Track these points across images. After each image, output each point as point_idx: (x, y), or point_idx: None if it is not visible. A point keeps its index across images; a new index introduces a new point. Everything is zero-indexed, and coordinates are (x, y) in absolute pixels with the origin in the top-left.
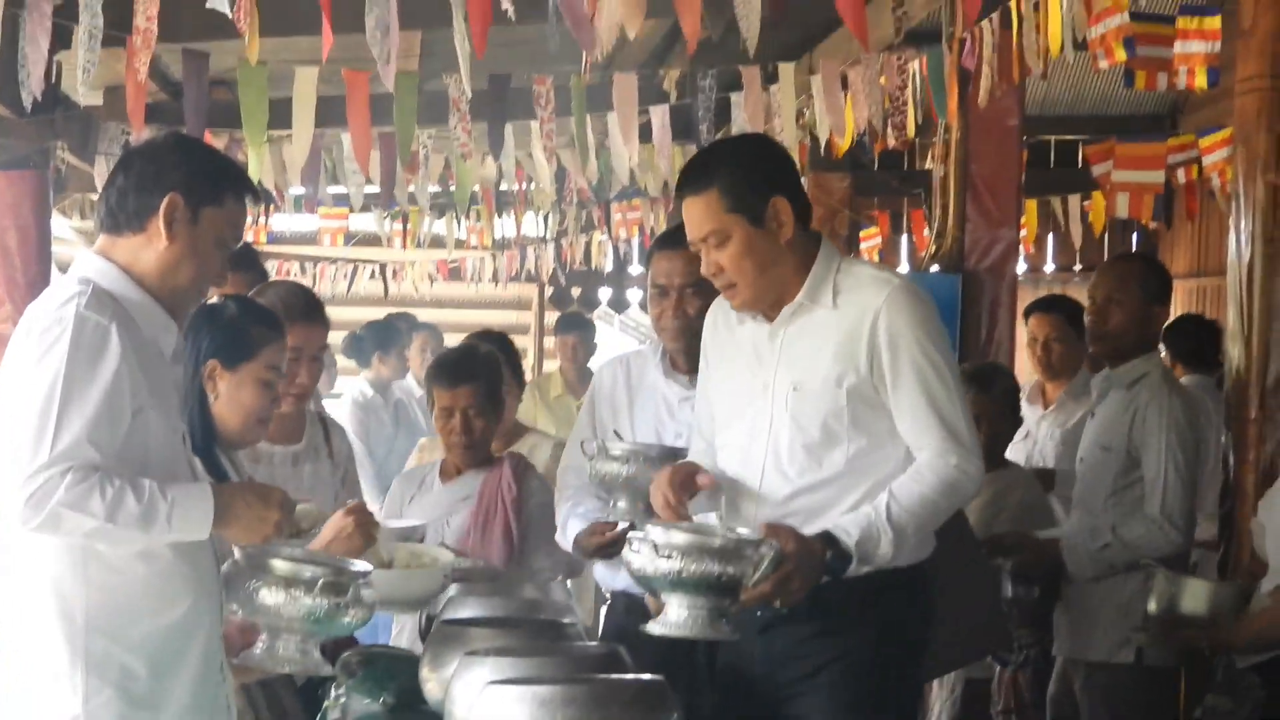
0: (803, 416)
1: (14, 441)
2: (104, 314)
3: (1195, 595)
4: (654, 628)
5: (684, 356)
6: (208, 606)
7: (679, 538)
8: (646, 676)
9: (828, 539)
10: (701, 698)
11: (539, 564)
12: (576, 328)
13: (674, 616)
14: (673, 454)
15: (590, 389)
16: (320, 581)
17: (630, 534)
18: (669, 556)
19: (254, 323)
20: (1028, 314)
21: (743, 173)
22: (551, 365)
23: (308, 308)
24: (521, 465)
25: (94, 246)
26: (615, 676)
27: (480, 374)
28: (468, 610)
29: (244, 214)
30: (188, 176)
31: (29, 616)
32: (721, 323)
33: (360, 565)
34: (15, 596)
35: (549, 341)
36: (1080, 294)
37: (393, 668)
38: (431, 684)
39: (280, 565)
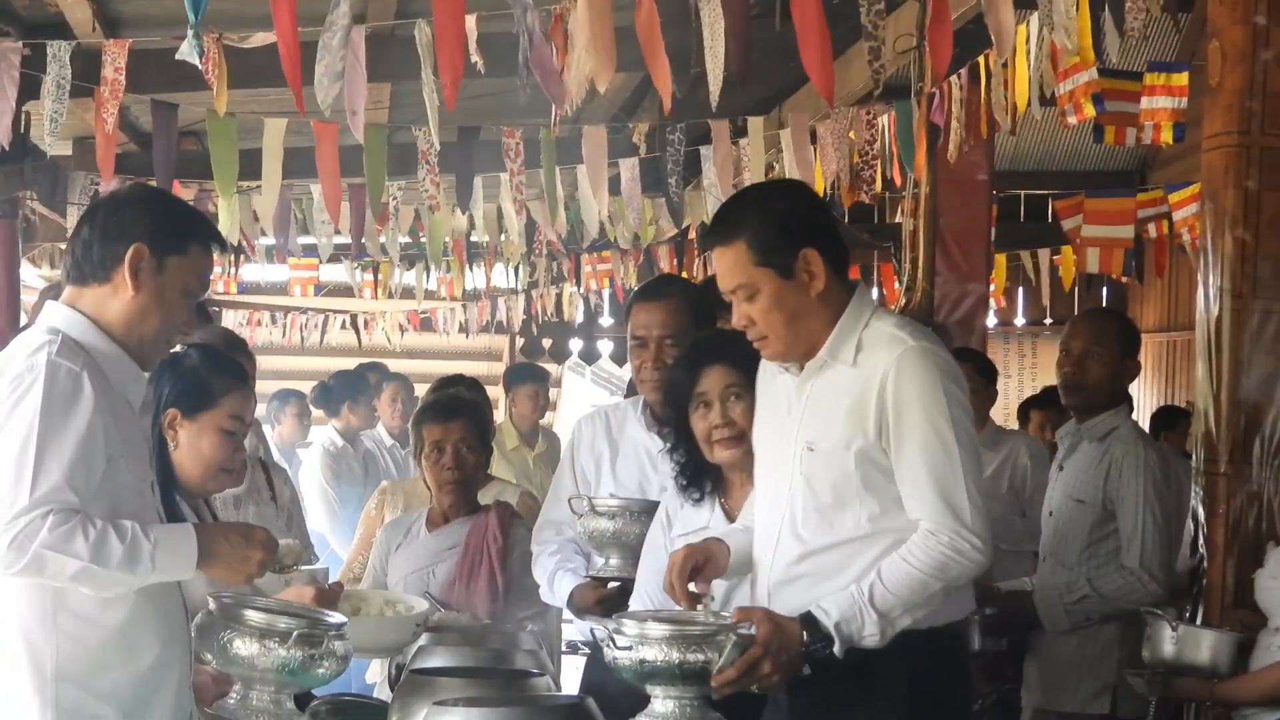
0: (814, 478)
1: None
2: (75, 361)
3: (1195, 643)
4: None
5: (664, 407)
6: (177, 654)
7: (635, 627)
8: None
9: (806, 620)
10: None
11: (522, 613)
12: (534, 378)
13: (660, 708)
14: (652, 506)
15: (569, 442)
16: (295, 634)
17: (603, 625)
18: (629, 647)
19: (216, 372)
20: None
21: (772, 224)
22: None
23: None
24: (507, 514)
25: (61, 298)
26: None
27: (470, 411)
28: (437, 659)
29: (210, 263)
30: (152, 226)
31: (2, 670)
32: (769, 369)
33: (334, 617)
34: None
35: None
36: (1051, 348)
37: (361, 717)
38: None
39: (254, 616)
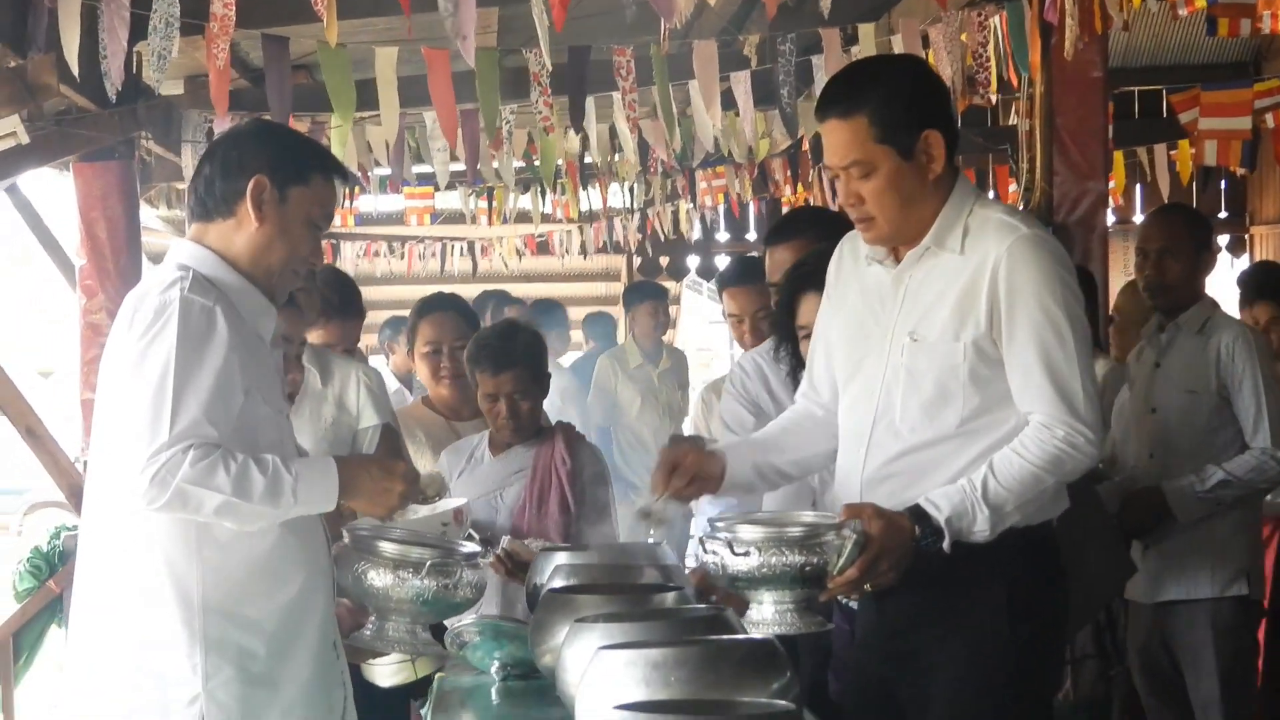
0: (918, 370)
1: (131, 424)
2: (208, 297)
3: None
4: (745, 627)
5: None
6: (321, 585)
7: (753, 532)
8: (757, 637)
9: (917, 514)
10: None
11: (594, 537)
12: (653, 296)
13: (760, 614)
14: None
15: (733, 383)
16: (428, 564)
17: (702, 536)
18: (746, 554)
19: None
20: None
21: (898, 100)
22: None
23: (344, 303)
24: (574, 435)
25: (187, 235)
26: (726, 638)
27: (522, 357)
28: (574, 577)
29: (333, 194)
30: (272, 158)
31: (145, 598)
32: (848, 260)
33: (468, 547)
34: (129, 578)
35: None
36: None
37: (502, 638)
38: (542, 652)
39: (388, 548)
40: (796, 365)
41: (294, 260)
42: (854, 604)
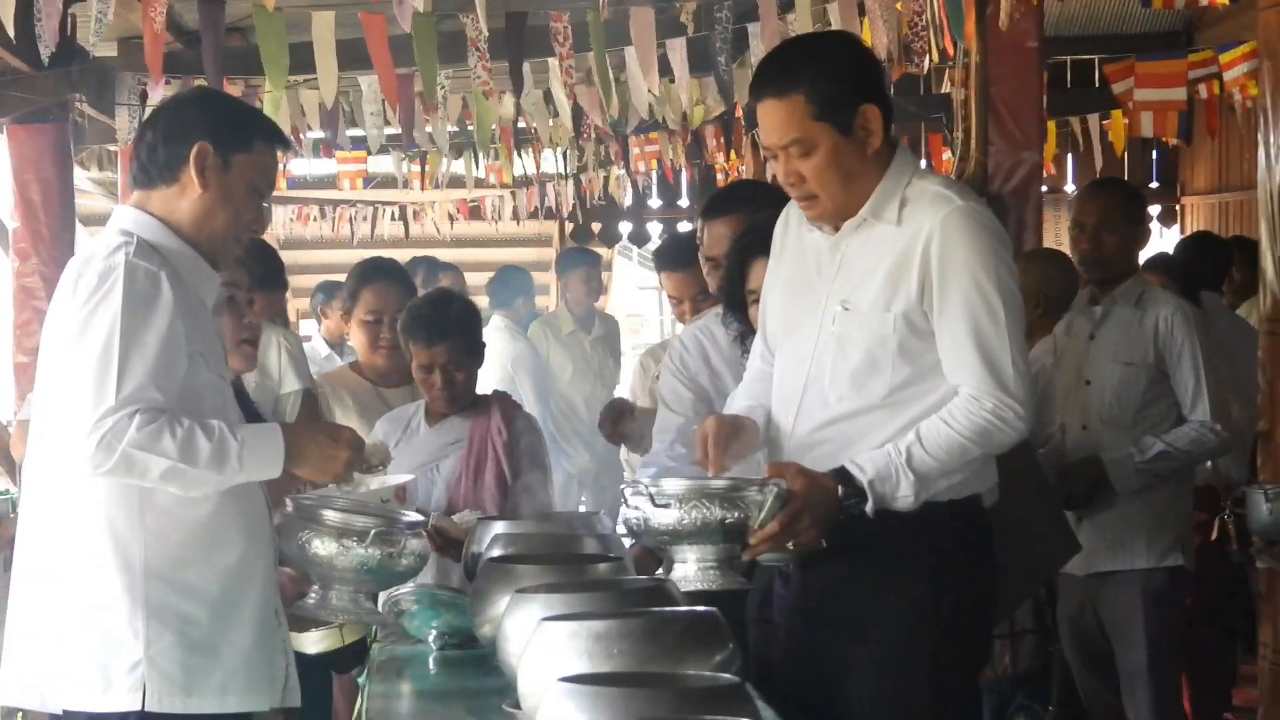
0: (848, 339)
1: (76, 389)
2: (152, 262)
3: None
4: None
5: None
6: (263, 552)
7: (675, 485)
8: (700, 609)
9: (841, 475)
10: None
11: (529, 507)
12: (585, 263)
13: (682, 571)
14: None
15: (672, 359)
16: (372, 533)
17: (624, 487)
18: (667, 506)
19: None
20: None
21: (833, 77)
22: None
23: (268, 275)
24: (510, 405)
25: (130, 202)
26: (669, 610)
27: (455, 328)
28: (512, 546)
29: (274, 160)
30: (215, 125)
31: (88, 563)
32: (793, 226)
33: (411, 515)
34: (72, 544)
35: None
36: None
37: (439, 606)
38: (482, 622)
39: (332, 517)
40: (746, 332)
41: (237, 226)
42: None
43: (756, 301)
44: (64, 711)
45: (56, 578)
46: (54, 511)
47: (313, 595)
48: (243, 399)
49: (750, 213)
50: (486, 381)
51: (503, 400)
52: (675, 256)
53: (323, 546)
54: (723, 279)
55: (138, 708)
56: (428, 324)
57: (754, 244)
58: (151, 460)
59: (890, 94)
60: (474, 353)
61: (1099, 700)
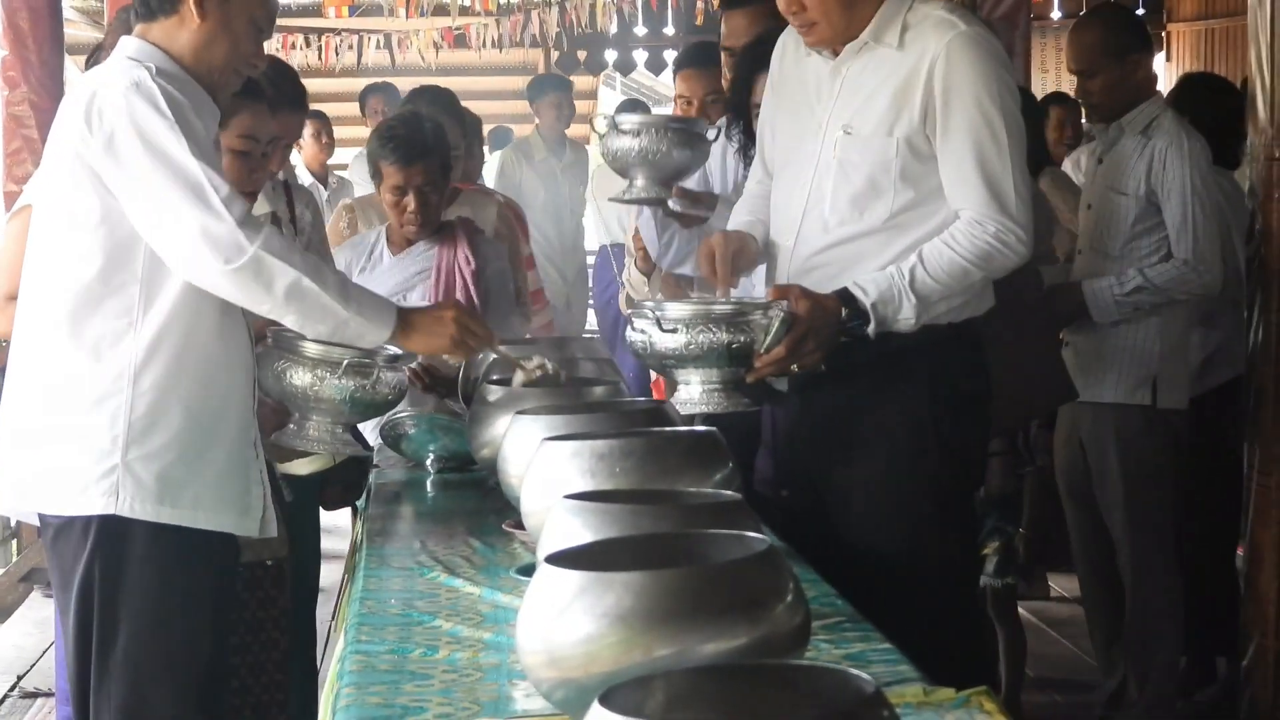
0: (849, 162)
1: (160, 200)
2: (172, 84)
3: None
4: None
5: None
6: (242, 381)
7: (680, 310)
8: (700, 429)
9: (844, 296)
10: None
11: (504, 332)
12: (555, 88)
13: (686, 393)
14: (690, 125)
15: None
16: (344, 363)
17: (631, 312)
18: (673, 330)
19: None
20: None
21: None
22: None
23: (294, 93)
24: (475, 232)
25: (132, 33)
26: (669, 430)
27: (435, 146)
28: (509, 371)
29: None
30: None
31: (75, 371)
32: (791, 52)
33: (389, 349)
34: (62, 352)
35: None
36: None
37: (437, 430)
38: (481, 445)
39: (309, 347)
40: (748, 143)
41: (236, 59)
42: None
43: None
44: (40, 515)
45: (44, 384)
46: (40, 324)
47: (291, 425)
48: None
49: (769, 6)
50: None
51: (468, 227)
52: (695, 55)
53: (298, 377)
54: (728, 86)
55: (111, 511)
56: (404, 144)
57: (761, 56)
58: (280, 269)
59: None
60: (446, 174)
61: (1079, 528)
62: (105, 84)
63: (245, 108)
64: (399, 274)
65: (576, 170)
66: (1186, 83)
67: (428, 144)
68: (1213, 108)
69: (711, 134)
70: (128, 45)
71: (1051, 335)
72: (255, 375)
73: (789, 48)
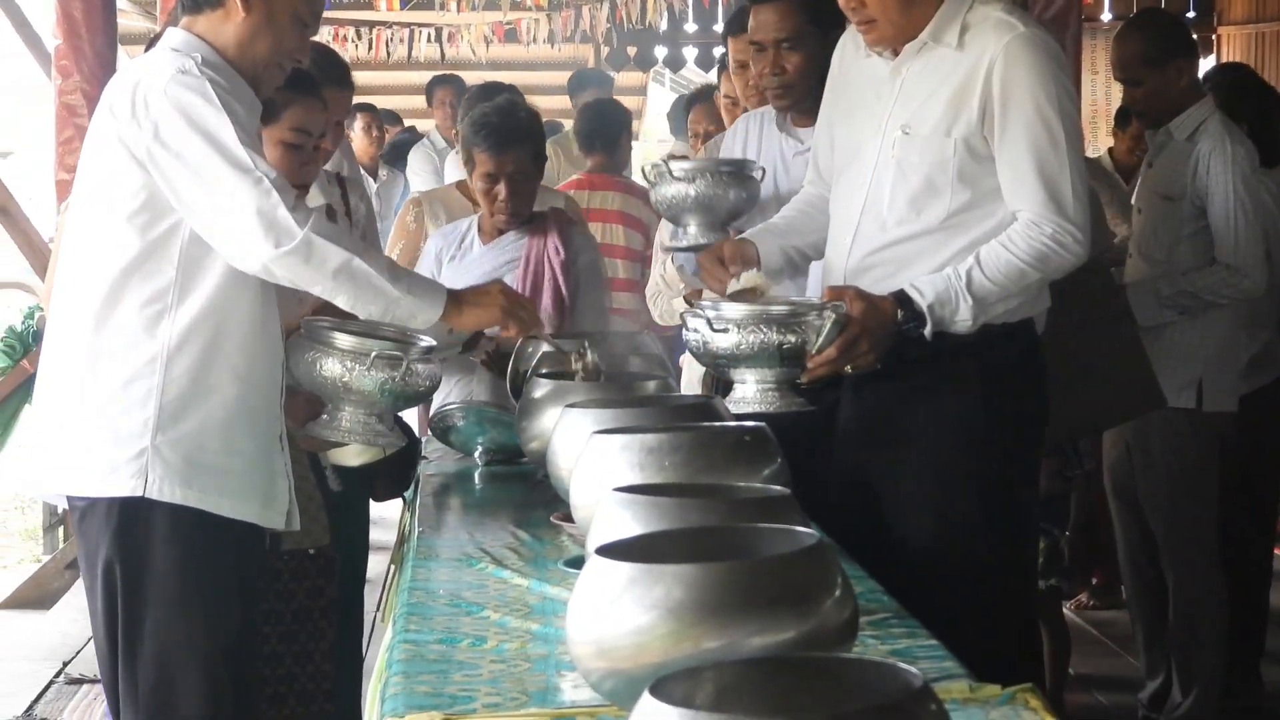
0: (908, 162)
1: (209, 185)
2: (220, 74)
3: None
4: (727, 405)
5: (793, 113)
6: (272, 374)
7: (733, 310)
8: (749, 424)
9: (900, 299)
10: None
11: (590, 326)
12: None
13: (741, 392)
14: (741, 167)
15: (725, 137)
16: (374, 354)
17: (684, 313)
18: (724, 330)
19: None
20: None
21: None
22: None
23: (337, 72)
24: (567, 222)
25: (178, 25)
26: (718, 424)
27: (529, 134)
28: (560, 364)
29: None
30: None
31: (108, 357)
32: (850, 52)
33: (424, 340)
34: (96, 338)
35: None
36: None
37: (485, 422)
38: (530, 437)
39: (338, 338)
40: None
41: (278, 54)
42: None
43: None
44: (68, 498)
45: (78, 368)
46: (85, 306)
47: (324, 416)
48: None
49: (798, 2)
50: None
51: (559, 217)
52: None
53: (329, 368)
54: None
55: (139, 494)
56: (498, 131)
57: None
58: (332, 251)
59: None
60: (539, 163)
61: (1124, 528)
62: (151, 72)
63: (296, 101)
64: (489, 262)
65: None
66: (1231, 75)
67: (522, 132)
68: (1258, 101)
69: (758, 173)
70: (173, 36)
71: (1129, 338)
72: (285, 368)
73: (848, 49)
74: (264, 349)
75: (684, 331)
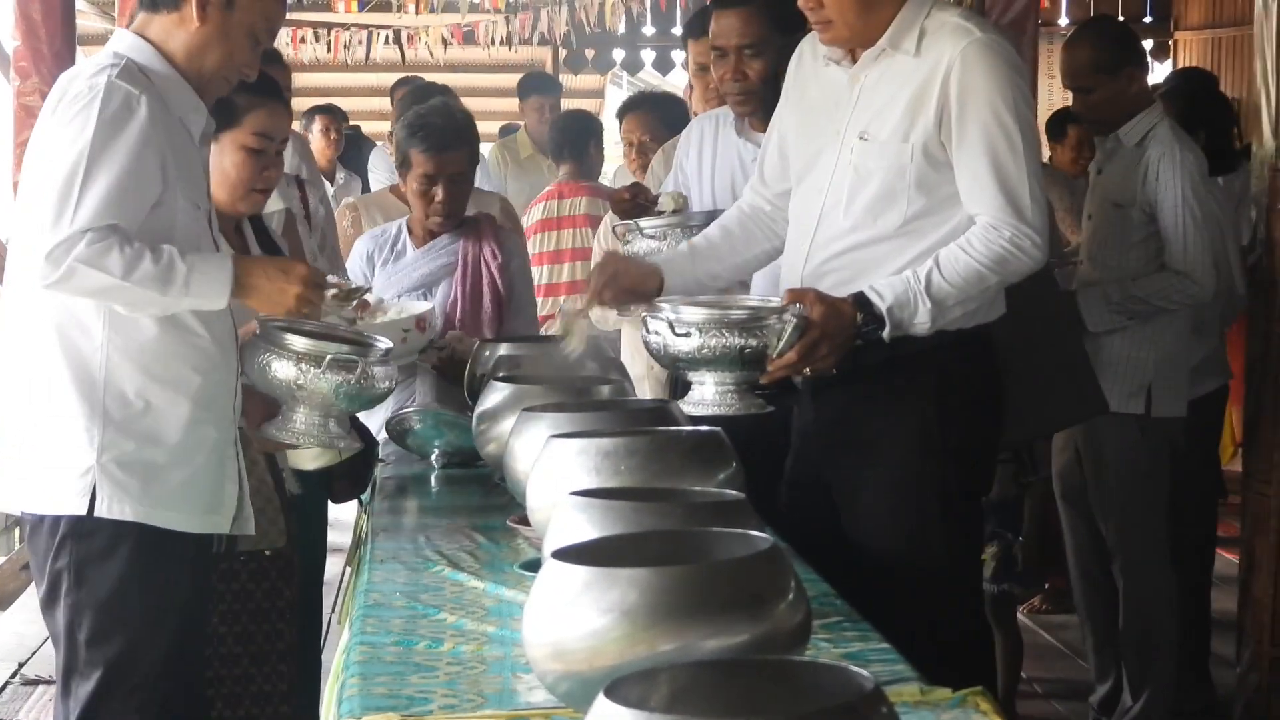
0: (865, 168)
1: (39, 205)
2: (135, 85)
3: None
4: (686, 407)
5: (753, 119)
6: (224, 379)
7: (695, 313)
8: (704, 428)
9: (859, 301)
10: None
11: (524, 328)
12: (545, 89)
13: (700, 394)
14: (712, 217)
15: (678, 142)
16: (327, 358)
17: (645, 315)
18: (686, 334)
19: (239, 89)
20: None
21: None
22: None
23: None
24: (496, 225)
25: (133, 25)
26: (674, 429)
27: (467, 136)
28: (515, 369)
29: (280, 7)
30: None
31: (49, 375)
32: (808, 59)
33: (382, 342)
34: (36, 357)
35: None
36: None
37: (443, 426)
38: (486, 440)
39: (293, 340)
40: None
41: (228, 67)
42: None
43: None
44: (22, 513)
45: (22, 388)
46: (21, 325)
47: (279, 418)
48: (264, 237)
49: (763, 6)
50: None
51: (490, 221)
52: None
53: (282, 370)
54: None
55: (84, 512)
56: (437, 133)
57: None
58: (95, 275)
59: None
60: (474, 165)
61: (1073, 532)
62: (77, 74)
63: (259, 105)
64: (424, 266)
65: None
66: (1190, 82)
67: (461, 133)
68: (1213, 108)
69: None
70: (120, 39)
71: (1074, 344)
72: (239, 372)
73: (805, 56)
74: (214, 357)
75: (643, 333)
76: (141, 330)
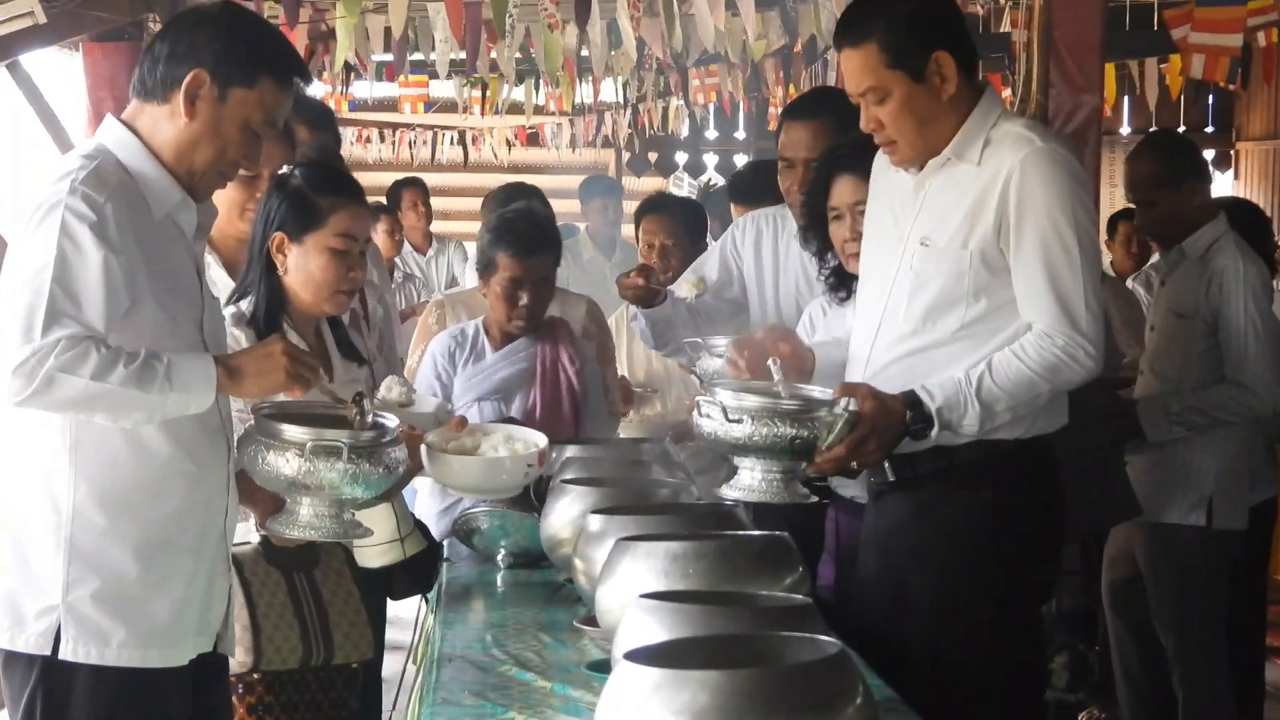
0: (925, 273)
1: (8, 323)
2: (102, 191)
3: None
4: (727, 491)
5: (805, 215)
6: (209, 498)
7: (749, 401)
8: (772, 532)
9: (910, 400)
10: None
11: (597, 431)
12: (603, 192)
13: (747, 480)
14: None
15: (729, 234)
16: (308, 445)
17: (699, 398)
18: (739, 420)
19: (323, 190)
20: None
21: (904, 25)
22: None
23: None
24: (571, 332)
25: (125, 112)
26: (742, 533)
27: (553, 240)
28: (582, 471)
29: (281, 100)
30: (220, 53)
31: (15, 501)
32: (882, 165)
33: (390, 421)
34: (2, 481)
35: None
36: None
37: (509, 526)
38: (555, 543)
39: (285, 430)
40: (824, 249)
41: (220, 163)
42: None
43: (838, 218)
44: None
45: None
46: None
47: (284, 511)
48: (342, 337)
49: (833, 120)
50: None
51: (566, 327)
52: (748, 190)
53: (271, 461)
54: (804, 190)
55: (46, 653)
56: (526, 237)
57: (840, 160)
58: (71, 381)
59: (970, 38)
60: (556, 269)
61: (1120, 641)
62: (49, 175)
63: (344, 206)
64: (503, 370)
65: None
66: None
67: (547, 238)
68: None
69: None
70: (106, 130)
71: (1114, 451)
72: (229, 485)
73: (881, 162)
74: (196, 476)
75: (695, 416)
76: (112, 453)
